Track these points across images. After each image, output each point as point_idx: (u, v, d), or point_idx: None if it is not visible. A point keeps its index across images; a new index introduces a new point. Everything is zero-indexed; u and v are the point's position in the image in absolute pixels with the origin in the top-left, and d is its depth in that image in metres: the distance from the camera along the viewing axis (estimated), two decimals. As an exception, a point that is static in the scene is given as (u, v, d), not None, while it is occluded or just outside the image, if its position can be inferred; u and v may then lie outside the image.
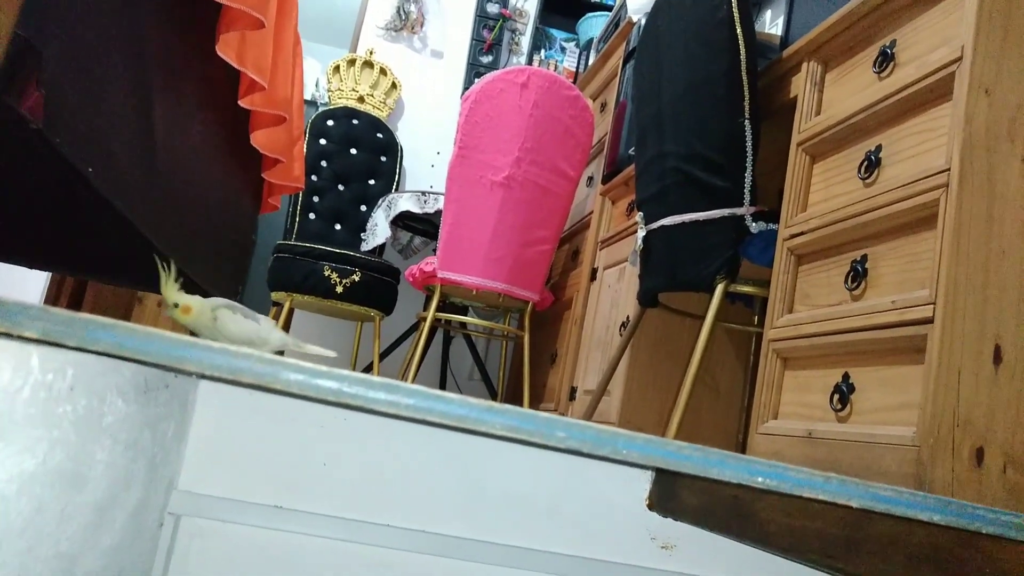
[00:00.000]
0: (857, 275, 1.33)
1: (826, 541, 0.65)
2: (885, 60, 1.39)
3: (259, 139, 1.82)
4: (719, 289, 1.71)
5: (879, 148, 1.36)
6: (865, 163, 1.38)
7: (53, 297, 3.55)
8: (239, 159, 1.91)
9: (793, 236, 1.55)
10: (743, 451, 2.05)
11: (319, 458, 1.00)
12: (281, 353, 1.37)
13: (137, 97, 1.24)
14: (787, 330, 1.49)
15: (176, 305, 1.22)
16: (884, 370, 1.23)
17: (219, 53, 1.40)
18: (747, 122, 1.70)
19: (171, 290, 1.25)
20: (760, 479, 0.47)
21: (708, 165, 1.75)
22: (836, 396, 1.31)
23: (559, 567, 0.98)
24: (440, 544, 0.95)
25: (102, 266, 2.10)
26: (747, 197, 1.70)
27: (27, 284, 3.51)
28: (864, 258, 1.33)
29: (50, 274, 2.97)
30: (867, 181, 1.37)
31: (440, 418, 0.38)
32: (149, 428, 0.77)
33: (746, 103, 1.70)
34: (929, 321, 1.12)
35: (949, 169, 1.16)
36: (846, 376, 1.31)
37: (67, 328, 0.37)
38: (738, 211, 1.70)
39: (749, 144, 1.70)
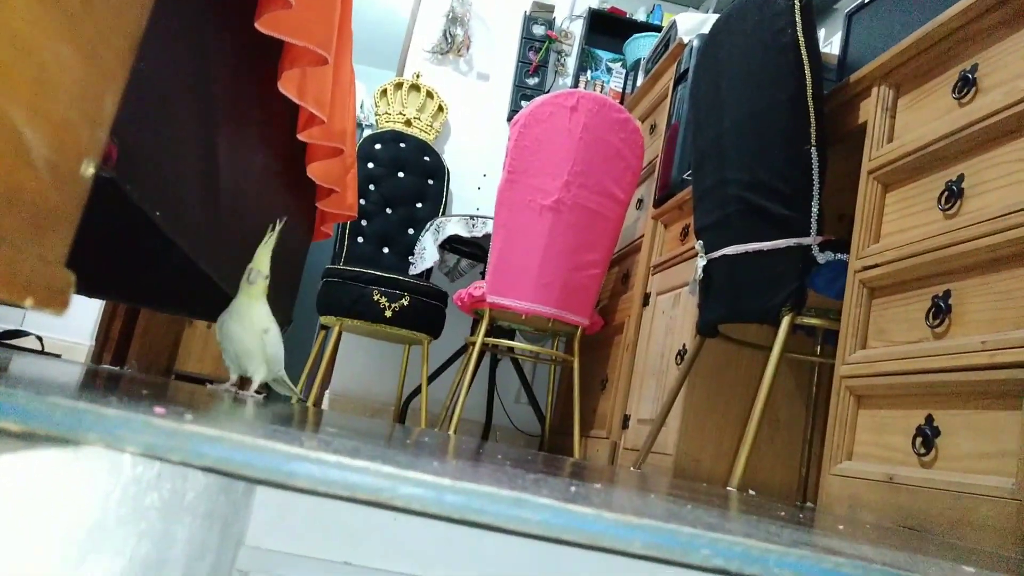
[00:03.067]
0: (939, 311, 1.27)
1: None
2: (966, 85, 1.33)
3: (315, 171, 1.82)
4: (785, 322, 1.65)
5: (961, 178, 1.30)
6: (946, 193, 1.32)
7: (108, 319, 3.60)
8: (295, 190, 1.91)
9: (866, 268, 1.48)
10: (808, 489, 1.98)
11: (388, 512, 0.97)
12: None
13: (203, 138, 1.24)
14: (862, 367, 1.43)
15: (266, 278, 1.30)
16: (973, 415, 1.16)
17: (281, 90, 1.39)
18: (813, 149, 1.64)
19: (266, 258, 1.32)
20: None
21: (773, 193, 1.69)
22: (919, 439, 1.24)
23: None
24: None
25: (157, 296, 2.11)
26: (814, 226, 1.64)
27: (83, 307, 3.58)
28: (947, 294, 1.27)
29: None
30: (948, 212, 1.31)
31: (572, 536, 0.35)
32: (224, 492, 0.74)
33: (812, 130, 1.64)
34: (1026, 366, 1.06)
35: (1044, 204, 1.09)
36: (929, 419, 1.24)
37: (171, 441, 0.34)
38: (804, 241, 1.65)
39: (816, 172, 1.64)
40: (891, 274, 1.42)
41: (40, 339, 2.91)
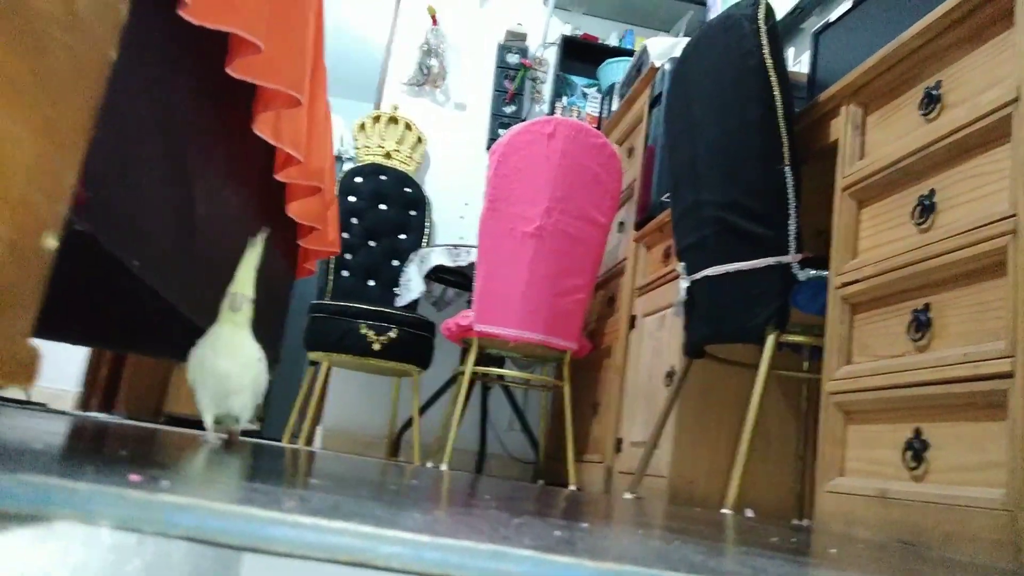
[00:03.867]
0: (920, 325, 1.28)
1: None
2: (931, 102, 1.36)
3: (295, 209, 1.82)
4: (770, 340, 1.66)
5: (932, 192, 1.32)
6: (919, 208, 1.34)
7: (94, 365, 3.56)
8: (275, 229, 1.91)
9: (845, 284, 1.50)
10: (805, 505, 1.97)
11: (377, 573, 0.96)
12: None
13: (176, 181, 1.24)
14: (847, 383, 1.43)
15: (252, 301, 1.17)
16: (960, 426, 1.17)
17: (256, 132, 1.40)
18: (787, 168, 1.66)
19: (249, 279, 1.20)
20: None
21: (748, 213, 1.71)
22: (909, 453, 1.25)
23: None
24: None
25: (141, 341, 2.09)
26: (792, 244, 1.66)
27: (68, 354, 3.54)
28: (927, 307, 1.28)
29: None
30: (922, 227, 1.33)
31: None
32: (212, 548, 0.73)
33: (785, 149, 1.66)
34: (1008, 376, 1.06)
35: (1015, 215, 1.11)
36: (918, 432, 1.25)
37: (144, 513, 0.34)
38: (784, 259, 1.66)
39: (791, 190, 1.66)
40: (871, 289, 1.43)
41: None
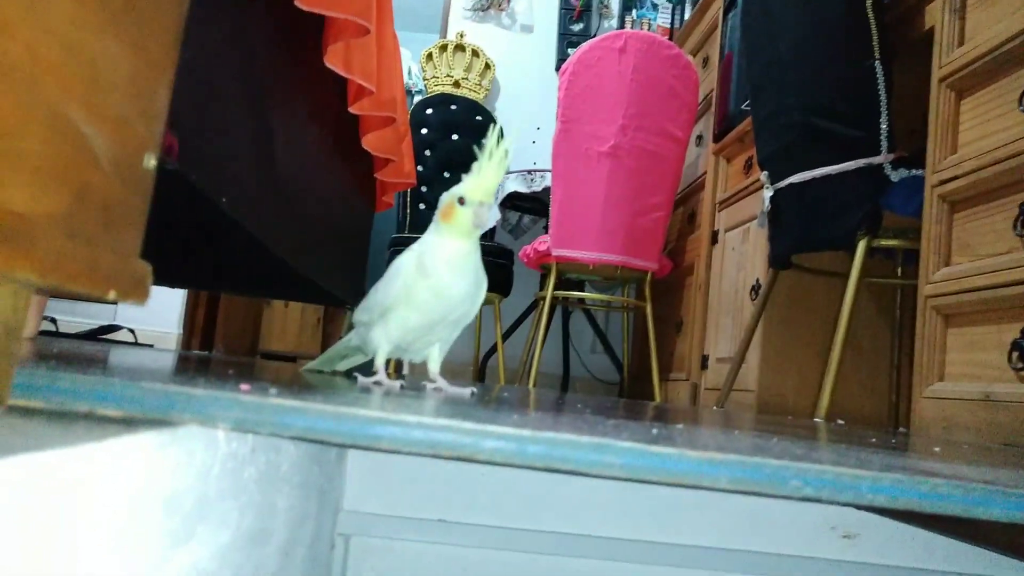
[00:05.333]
0: (1028, 219, 1.20)
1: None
2: (1041, -25, 1.24)
3: (370, 142, 1.83)
4: (861, 246, 1.60)
5: (1042, 75, 1.22)
6: (1026, 93, 1.24)
7: (191, 307, 3.75)
8: (352, 163, 1.93)
9: (944, 182, 1.42)
10: (900, 415, 1.93)
11: (477, 468, 0.99)
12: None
13: (256, 120, 1.26)
14: (947, 285, 1.37)
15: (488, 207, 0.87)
16: (1072, 323, 1.11)
17: (327, 64, 1.40)
18: (878, 63, 1.57)
19: (494, 182, 0.90)
20: None
21: (836, 115, 1.63)
22: (1015, 354, 1.19)
23: (732, 563, 0.93)
24: (611, 548, 0.93)
25: (233, 281, 2.18)
26: (884, 144, 1.58)
27: (167, 298, 3.73)
28: (1035, 200, 1.20)
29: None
30: (1030, 113, 1.23)
31: (657, 476, 0.35)
32: (316, 462, 0.77)
33: (875, 42, 1.56)
34: None
35: None
36: (1024, 331, 1.19)
37: (259, 416, 0.36)
38: (875, 160, 1.58)
39: (882, 87, 1.56)
40: (972, 185, 1.35)
41: (133, 332, 3.05)
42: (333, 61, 1.41)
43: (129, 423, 0.38)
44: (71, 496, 0.33)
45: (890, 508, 0.33)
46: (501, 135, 0.93)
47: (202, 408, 0.37)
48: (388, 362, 0.91)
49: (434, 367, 0.92)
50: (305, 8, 1.22)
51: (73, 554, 0.33)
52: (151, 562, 0.38)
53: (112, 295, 0.36)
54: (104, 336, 2.77)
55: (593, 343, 3.59)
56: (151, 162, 0.38)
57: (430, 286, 0.87)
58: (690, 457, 0.36)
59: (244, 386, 0.44)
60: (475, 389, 0.99)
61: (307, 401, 0.38)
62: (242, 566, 0.50)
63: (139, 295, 0.39)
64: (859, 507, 0.96)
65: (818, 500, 0.34)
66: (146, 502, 0.37)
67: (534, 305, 3.21)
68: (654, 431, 0.50)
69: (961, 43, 1.45)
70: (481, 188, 0.90)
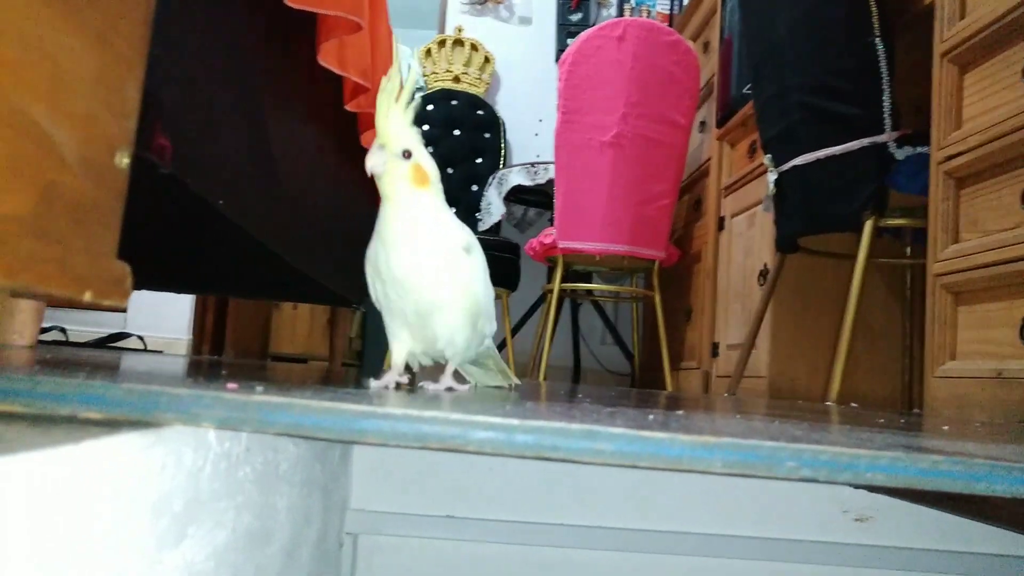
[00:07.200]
0: (1035, 192, 1.19)
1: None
2: (1041, -57, 1.22)
3: (369, 139, 1.83)
4: (868, 226, 1.58)
5: (1046, 45, 1.20)
6: (1030, 65, 1.22)
7: (200, 312, 3.76)
8: (352, 160, 1.93)
9: (949, 158, 1.40)
10: (913, 396, 1.91)
11: (484, 463, 0.98)
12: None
13: (251, 121, 1.26)
14: (955, 262, 1.35)
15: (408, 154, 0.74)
16: (1083, 296, 1.09)
17: (321, 62, 1.40)
18: (878, 40, 1.55)
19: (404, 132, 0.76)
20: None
21: (838, 94, 1.61)
22: (1026, 330, 1.18)
23: (744, 550, 0.93)
24: (619, 538, 0.92)
25: (238, 285, 2.18)
26: (887, 122, 1.56)
27: (176, 303, 3.74)
28: (1042, 172, 1.18)
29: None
30: (1035, 85, 1.21)
31: (649, 462, 0.34)
32: (319, 461, 0.77)
33: (875, 19, 1.54)
34: None
35: None
36: (1035, 306, 1.17)
37: (241, 413, 0.35)
38: (879, 139, 1.56)
39: (883, 64, 1.54)
40: (978, 160, 1.33)
41: (142, 339, 3.06)
42: (327, 59, 1.40)
43: (113, 425, 0.37)
44: (52, 500, 0.32)
45: (891, 487, 0.32)
46: (410, 70, 0.80)
47: (184, 407, 0.37)
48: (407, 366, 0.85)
49: (447, 372, 0.84)
50: (294, 6, 1.21)
51: (57, 556, 0.33)
52: (140, 563, 0.37)
53: (88, 296, 0.35)
54: (113, 344, 2.78)
55: (603, 334, 3.58)
56: (124, 160, 0.37)
57: (368, 264, 0.77)
58: (682, 441, 0.35)
59: (231, 385, 0.43)
60: (475, 384, 0.97)
61: (293, 397, 0.38)
62: (242, 566, 0.49)
63: (118, 296, 0.38)
64: (870, 489, 0.95)
65: (815, 480, 0.33)
66: (132, 504, 0.37)
67: (542, 299, 3.20)
68: (650, 417, 0.49)
69: (962, 16, 1.43)
70: (378, 128, 0.75)
